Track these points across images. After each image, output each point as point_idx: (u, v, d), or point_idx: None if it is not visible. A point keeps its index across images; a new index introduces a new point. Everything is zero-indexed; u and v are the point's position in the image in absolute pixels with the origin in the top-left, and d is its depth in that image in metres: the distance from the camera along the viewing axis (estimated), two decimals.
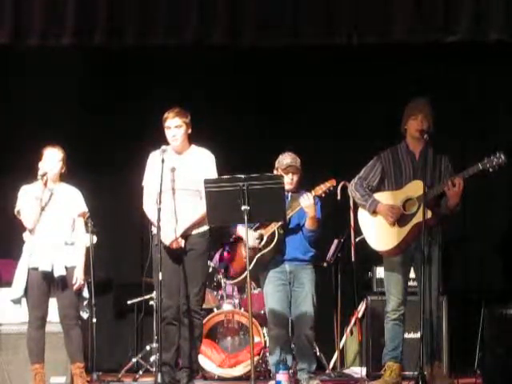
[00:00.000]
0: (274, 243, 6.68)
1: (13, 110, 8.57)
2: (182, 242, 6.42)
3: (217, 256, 8.36)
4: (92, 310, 6.91)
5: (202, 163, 6.52)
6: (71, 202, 6.72)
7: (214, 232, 6.62)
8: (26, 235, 6.76)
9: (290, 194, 6.76)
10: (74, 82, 8.50)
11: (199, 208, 6.37)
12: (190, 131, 6.56)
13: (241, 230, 6.75)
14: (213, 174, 6.49)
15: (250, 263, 6.66)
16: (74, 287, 6.60)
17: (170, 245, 6.38)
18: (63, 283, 6.60)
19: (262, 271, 6.80)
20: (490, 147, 8.26)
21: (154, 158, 6.57)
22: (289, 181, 6.71)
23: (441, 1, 7.26)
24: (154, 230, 6.49)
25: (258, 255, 6.71)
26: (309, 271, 6.79)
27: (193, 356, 6.51)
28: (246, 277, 6.71)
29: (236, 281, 6.91)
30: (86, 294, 6.76)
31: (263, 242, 6.71)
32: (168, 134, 6.50)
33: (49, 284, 6.61)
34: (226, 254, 7.02)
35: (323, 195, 6.64)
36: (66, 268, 6.59)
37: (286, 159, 6.76)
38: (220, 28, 7.31)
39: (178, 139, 6.49)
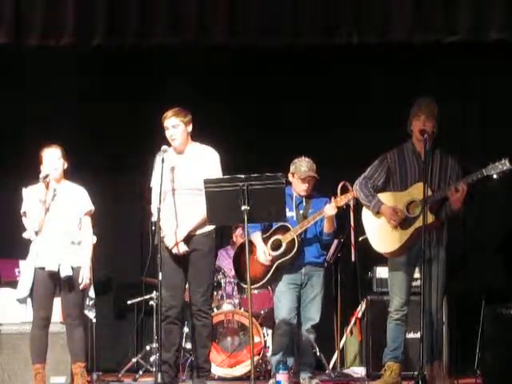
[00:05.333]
0: (294, 251, 6.71)
1: (13, 110, 8.56)
2: (183, 247, 6.37)
3: (222, 256, 8.40)
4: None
5: (204, 161, 6.47)
6: (76, 201, 6.69)
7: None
8: (25, 234, 6.76)
9: (303, 198, 6.82)
10: (73, 82, 8.50)
11: (201, 209, 6.23)
12: (190, 129, 6.53)
13: (255, 235, 6.76)
14: (216, 171, 6.43)
15: (270, 270, 6.74)
16: (81, 287, 6.59)
17: (172, 249, 6.36)
18: (69, 283, 6.58)
19: (280, 276, 6.81)
20: (490, 147, 8.35)
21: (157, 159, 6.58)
22: (304, 188, 6.80)
23: (441, 1, 7.26)
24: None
25: (278, 262, 6.74)
26: (321, 274, 6.86)
27: (204, 355, 6.50)
28: (264, 283, 6.81)
29: (254, 287, 6.90)
30: (92, 293, 6.76)
31: (282, 249, 6.73)
32: (167, 134, 6.48)
33: (55, 284, 6.60)
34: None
35: (344, 207, 6.72)
36: (73, 268, 6.57)
37: (302, 166, 6.78)
38: (220, 28, 7.31)
39: (175, 139, 6.46)
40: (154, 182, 6.50)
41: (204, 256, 6.44)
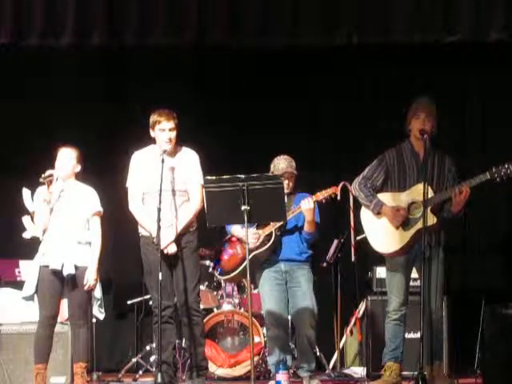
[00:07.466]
0: (269, 244, 6.68)
1: (12, 110, 8.55)
2: (174, 248, 6.42)
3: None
4: (92, 310, 6.91)
5: (189, 164, 6.52)
6: (83, 200, 6.68)
7: (209, 232, 6.63)
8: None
9: (285, 195, 6.79)
10: (74, 82, 8.50)
11: (189, 209, 6.43)
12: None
13: (236, 230, 6.77)
14: (199, 173, 6.50)
15: (244, 262, 6.70)
16: (85, 288, 6.59)
17: (164, 249, 6.39)
18: (73, 282, 6.58)
19: (255, 270, 6.80)
20: (490, 147, 8.35)
21: (138, 158, 6.58)
22: (285, 186, 6.74)
23: (441, 1, 7.27)
24: (142, 231, 6.57)
25: (253, 254, 6.71)
26: (305, 270, 6.79)
27: (200, 354, 6.53)
28: (237, 274, 6.81)
29: (227, 277, 6.93)
30: (98, 294, 6.76)
31: (259, 242, 6.72)
32: (162, 136, 6.44)
33: (61, 283, 6.59)
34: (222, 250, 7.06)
35: (323, 201, 6.65)
36: (77, 267, 6.57)
37: (280, 164, 6.76)
38: (220, 28, 7.32)
39: (172, 141, 6.47)
40: (132, 182, 6.54)
41: (193, 252, 6.53)
